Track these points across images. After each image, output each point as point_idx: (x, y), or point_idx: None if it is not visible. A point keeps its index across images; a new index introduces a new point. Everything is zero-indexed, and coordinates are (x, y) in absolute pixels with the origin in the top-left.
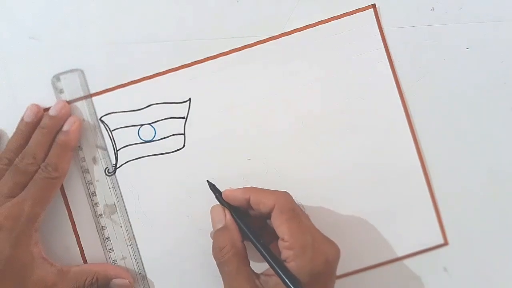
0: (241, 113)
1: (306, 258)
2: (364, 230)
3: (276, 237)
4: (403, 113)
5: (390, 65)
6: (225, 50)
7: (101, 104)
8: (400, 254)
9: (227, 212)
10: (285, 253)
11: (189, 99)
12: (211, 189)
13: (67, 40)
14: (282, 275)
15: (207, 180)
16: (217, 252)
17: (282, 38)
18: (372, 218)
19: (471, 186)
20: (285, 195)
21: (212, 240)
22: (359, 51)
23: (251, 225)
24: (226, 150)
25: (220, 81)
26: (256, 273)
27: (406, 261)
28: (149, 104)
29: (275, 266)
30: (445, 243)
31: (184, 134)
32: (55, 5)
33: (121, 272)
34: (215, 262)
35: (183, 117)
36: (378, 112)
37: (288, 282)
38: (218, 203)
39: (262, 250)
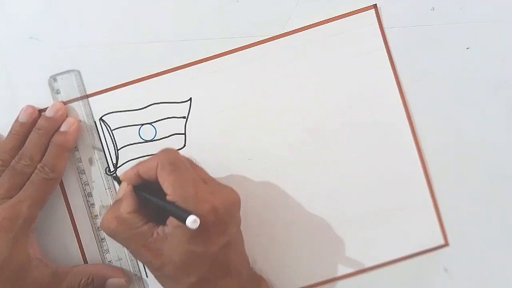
0: (242, 113)
1: (188, 207)
2: (365, 230)
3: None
4: (404, 113)
5: (391, 65)
6: (225, 50)
7: (101, 104)
8: (400, 255)
9: (129, 186)
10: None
11: (190, 99)
12: (117, 182)
13: (66, 40)
14: (172, 208)
15: (110, 175)
16: (102, 225)
17: (283, 38)
18: (372, 219)
19: (472, 187)
20: (166, 152)
21: None
22: (360, 52)
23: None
24: (226, 150)
25: (221, 81)
26: (154, 228)
27: (407, 262)
28: (149, 104)
29: (167, 205)
30: (446, 244)
31: (184, 133)
32: (54, 5)
33: (117, 272)
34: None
35: (184, 117)
36: (378, 113)
37: (178, 211)
38: None
39: (153, 199)
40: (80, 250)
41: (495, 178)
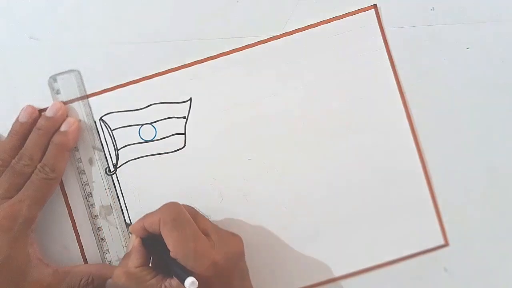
0: (242, 113)
1: (189, 263)
2: (364, 230)
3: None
4: (404, 113)
5: (391, 65)
6: (225, 50)
7: (101, 104)
8: (400, 255)
9: (137, 239)
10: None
11: (190, 99)
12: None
13: (66, 40)
14: (173, 267)
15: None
16: (112, 280)
17: (283, 38)
18: (372, 219)
19: (472, 186)
20: (169, 206)
21: None
22: (360, 52)
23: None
24: (226, 150)
25: (221, 81)
26: (162, 281)
27: (407, 262)
28: (149, 104)
29: (169, 263)
30: (446, 244)
31: (185, 133)
32: (54, 5)
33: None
34: None
35: (184, 117)
36: (378, 112)
37: (178, 272)
38: None
39: (158, 255)
40: (80, 250)
41: (495, 177)
